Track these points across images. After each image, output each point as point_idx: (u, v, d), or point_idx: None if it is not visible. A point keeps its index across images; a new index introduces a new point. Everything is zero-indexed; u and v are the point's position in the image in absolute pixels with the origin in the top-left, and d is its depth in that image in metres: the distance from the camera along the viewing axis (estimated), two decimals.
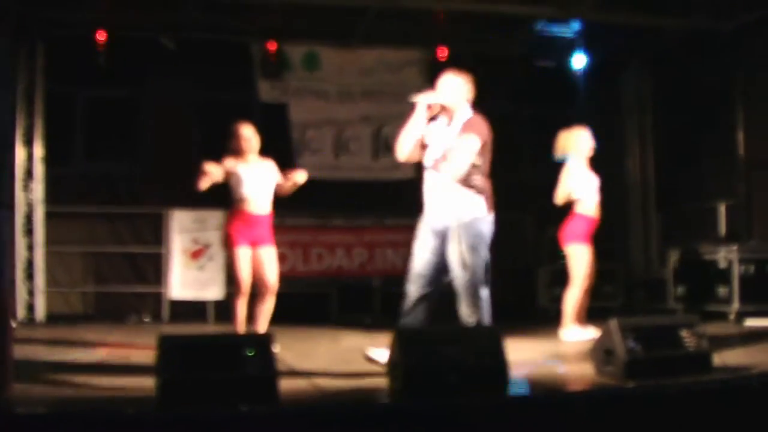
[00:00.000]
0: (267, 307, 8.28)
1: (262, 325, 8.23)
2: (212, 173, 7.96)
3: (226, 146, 8.36)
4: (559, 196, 9.61)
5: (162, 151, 12.46)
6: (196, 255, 12.83)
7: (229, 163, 8.20)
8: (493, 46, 13.83)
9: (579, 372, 6.67)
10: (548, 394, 5.84)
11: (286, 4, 12.17)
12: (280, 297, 8.35)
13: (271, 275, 8.28)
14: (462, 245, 7.12)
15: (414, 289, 7.32)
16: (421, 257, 7.32)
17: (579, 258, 9.49)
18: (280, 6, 12.22)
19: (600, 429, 5.42)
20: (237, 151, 8.30)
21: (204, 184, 8.02)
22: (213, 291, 12.77)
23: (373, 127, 14.34)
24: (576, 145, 9.60)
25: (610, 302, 13.43)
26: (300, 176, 8.37)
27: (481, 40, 13.83)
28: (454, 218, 7.20)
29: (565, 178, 9.57)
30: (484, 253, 7.18)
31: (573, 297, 9.48)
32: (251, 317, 8.26)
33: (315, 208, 13.67)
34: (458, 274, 7.17)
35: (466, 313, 7.21)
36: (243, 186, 8.20)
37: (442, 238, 7.23)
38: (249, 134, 8.34)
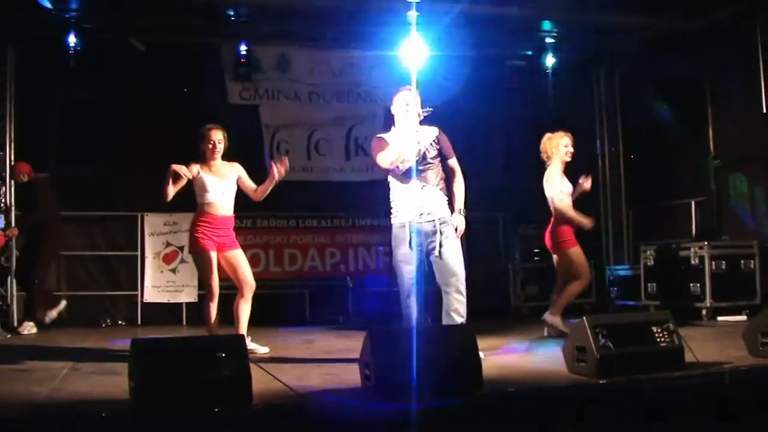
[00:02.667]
0: (248, 308, 8.26)
1: (244, 326, 8.20)
2: (181, 171, 7.89)
3: (196, 148, 8.30)
4: (559, 200, 9.61)
5: (134, 154, 12.39)
6: (169, 258, 12.80)
7: (194, 168, 8.14)
8: (464, 46, 13.85)
9: (552, 369, 6.68)
10: (522, 392, 5.84)
11: (256, 6, 12.15)
12: (253, 298, 8.29)
13: (248, 274, 8.28)
14: (458, 242, 7.50)
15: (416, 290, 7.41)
16: (414, 263, 7.42)
17: (577, 259, 9.59)
18: (250, 8, 12.20)
19: (573, 425, 5.43)
20: (205, 154, 8.25)
21: (171, 191, 7.99)
22: (186, 294, 12.74)
23: (345, 129, 14.35)
24: (556, 149, 9.62)
25: (583, 300, 13.49)
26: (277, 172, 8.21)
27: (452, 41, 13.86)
28: (445, 217, 7.48)
29: (547, 182, 9.64)
30: None
31: (575, 291, 9.64)
32: (234, 319, 8.22)
33: (287, 210, 13.66)
34: (458, 272, 7.41)
35: (459, 311, 7.36)
36: (208, 191, 8.15)
37: (429, 235, 7.42)
38: (218, 138, 8.26)
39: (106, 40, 12.62)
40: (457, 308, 7.37)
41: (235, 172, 8.41)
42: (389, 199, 7.70)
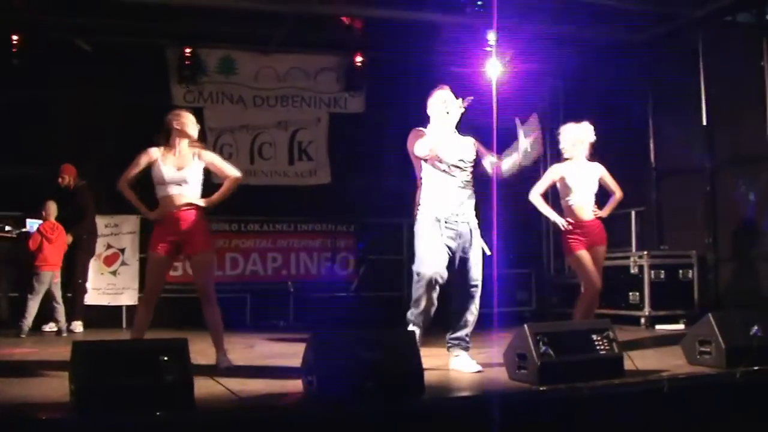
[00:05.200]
0: (211, 316, 7.66)
1: (216, 338, 7.69)
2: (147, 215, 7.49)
3: (153, 140, 7.60)
4: (531, 194, 9.02)
5: (77, 155, 12.26)
6: (109, 260, 12.70)
7: (155, 152, 7.48)
8: (409, 53, 13.90)
9: (493, 377, 6.71)
10: (463, 398, 5.87)
11: (202, 9, 12.12)
12: (194, 301, 7.91)
13: (205, 281, 7.61)
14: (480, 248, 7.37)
15: (436, 293, 7.12)
16: (443, 257, 7.16)
17: (574, 264, 8.91)
18: (196, 11, 12.16)
19: None
20: (172, 139, 7.54)
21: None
22: (127, 296, 12.65)
23: (289, 133, 14.36)
24: (563, 143, 8.98)
25: (523, 307, 13.60)
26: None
27: (397, 46, 13.93)
28: (473, 220, 7.37)
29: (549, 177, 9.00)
30: None
31: (582, 302, 8.76)
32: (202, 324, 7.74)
33: (230, 213, 13.61)
34: (478, 277, 7.30)
35: (472, 317, 7.31)
36: (164, 179, 7.42)
37: (464, 237, 7.27)
38: (190, 122, 7.61)
39: (50, 40, 12.53)
40: (468, 319, 7.27)
41: (205, 160, 7.69)
42: (417, 195, 7.39)
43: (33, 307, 11.15)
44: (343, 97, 14.61)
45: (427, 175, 7.37)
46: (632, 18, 12.63)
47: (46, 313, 11.48)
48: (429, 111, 7.51)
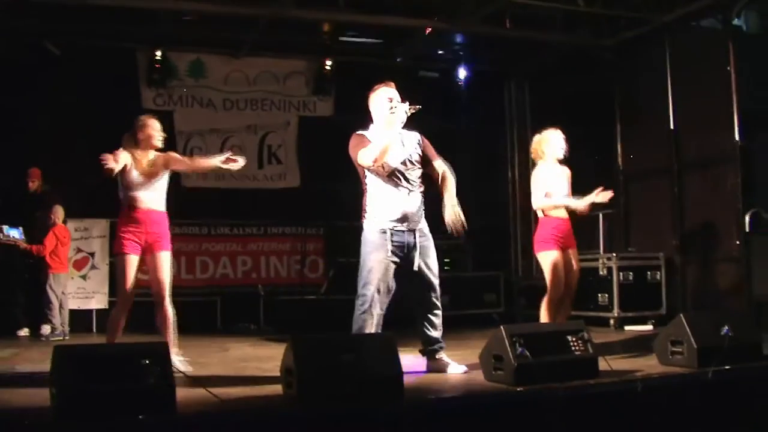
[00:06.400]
0: (164, 316, 7.55)
1: (167, 336, 7.48)
2: (109, 162, 7.14)
3: (124, 142, 7.59)
4: (537, 202, 8.68)
5: (47, 159, 12.22)
6: (79, 264, 12.64)
7: (123, 156, 7.41)
8: (378, 57, 13.98)
9: (469, 378, 6.77)
10: (441, 400, 5.92)
11: (172, 13, 12.12)
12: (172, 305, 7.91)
13: (163, 282, 7.61)
14: (435, 255, 7.23)
15: (381, 303, 6.97)
16: (391, 268, 6.99)
17: (546, 265, 8.59)
18: (166, 14, 12.17)
19: None
20: (140, 144, 7.56)
21: (113, 166, 7.22)
22: (96, 301, 12.61)
23: (258, 136, 14.39)
24: (546, 147, 8.73)
25: (491, 309, 13.67)
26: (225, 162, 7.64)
27: (367, 51, 14.01)
28: (425, 228, 7.17)
29: (535, 181, 8.72)
30: None
31: (545, 306, 8.55)
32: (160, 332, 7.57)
33: (199, 217, 13.63)
34: (435, 283, 7.17)
35: (437, 326, 7.22)
36: (134, 186, 7.47)
37: (410, 246, 7.05)
38: (157, 128, 7.64)
39: (19, 43, 12.50)
40: (436, 323, 7.17)
41: (170, 162, 7.69)
42: (363, 201, 7.13)
43: (59, 308, 11.52)
44: (312, 100, 14.66)
45: (371, 182, 7.09)
46: (600, 23, 12.76)
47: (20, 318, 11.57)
48: (371, 108, 7.20)
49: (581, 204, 8.60)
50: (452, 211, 6.94)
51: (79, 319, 12.52)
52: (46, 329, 11.40)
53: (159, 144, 7.68)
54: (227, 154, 7.64)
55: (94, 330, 12.45)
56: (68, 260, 11.94)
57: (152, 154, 7.64)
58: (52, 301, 11.42)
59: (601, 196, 8.65)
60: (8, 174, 12.12)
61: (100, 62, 12.79)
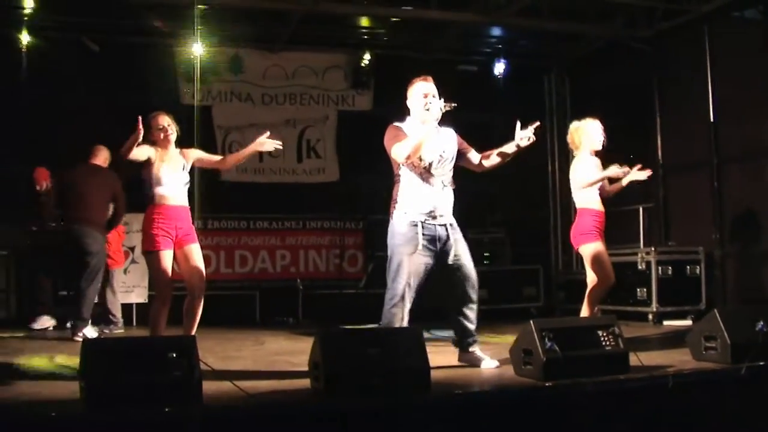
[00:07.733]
0: (198, 309, 7.54)
1: (193, 328, 7.51)
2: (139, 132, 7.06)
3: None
4: (579, 182, 8.49)
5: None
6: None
7: (147, 150, 7.43)
8: (416, 50, 13.97)
9: (499, 372, 6.74)
10: (469, 394, 5.90)
11: (210, 7, 12.16)
12: (204, 299, 7.67)
13: (198, 274, 7.60)
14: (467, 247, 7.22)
15: (410, 298, 6.92)
16: (422, 261, 6.96)
17: (592, 257, 8.39)
18: (204, 9, 12.20)
19: (519, 428, 5.52)
20: (156, 144, 7.54)
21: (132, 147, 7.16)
22: (137, 294, 12.68)
23: (297, 131, 14.42)
24: (584, 137, 8.58)
25: (531, 303, 13.62)
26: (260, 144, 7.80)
27: (405, 44, 14.00)
28: (454, 222, 7.18)
29: (574, 172, 8.61)
30: None
31: (588, 300, 8.45)
32: (184, 320, 7.55)
33: (238, 211, 13.70)
34: (473, 275, 7.15)
35: (472, 316, 7.19)
36: (162, 183, 7.46)
37: (443, 239, 7.03)
38: (167, 122, 7.62)
39: (58, 39, 12.60)
40: (470, 317, 7.13)
41: (191, 158, 7.75)
42: (394, 191, 7.10)
43: (117, 303, 11.54)
44: (351, 94, 14.67)
45: (404, 174, 7.07)
46: (639, 13, 12.67)
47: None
48: (408, 102, 7.16)
49: (621, 171, 8.43)
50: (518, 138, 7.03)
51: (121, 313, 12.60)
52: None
53: (173, 138, 7.66)
54: (264, 135, 7.74)
55: (134, 324, 12.52)
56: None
57: (174, 150, 7.67)
58: (116, 296, 11.50)
59: (641, 174, 8.61)
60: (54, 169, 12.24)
61: (139, 58, 12.87)
